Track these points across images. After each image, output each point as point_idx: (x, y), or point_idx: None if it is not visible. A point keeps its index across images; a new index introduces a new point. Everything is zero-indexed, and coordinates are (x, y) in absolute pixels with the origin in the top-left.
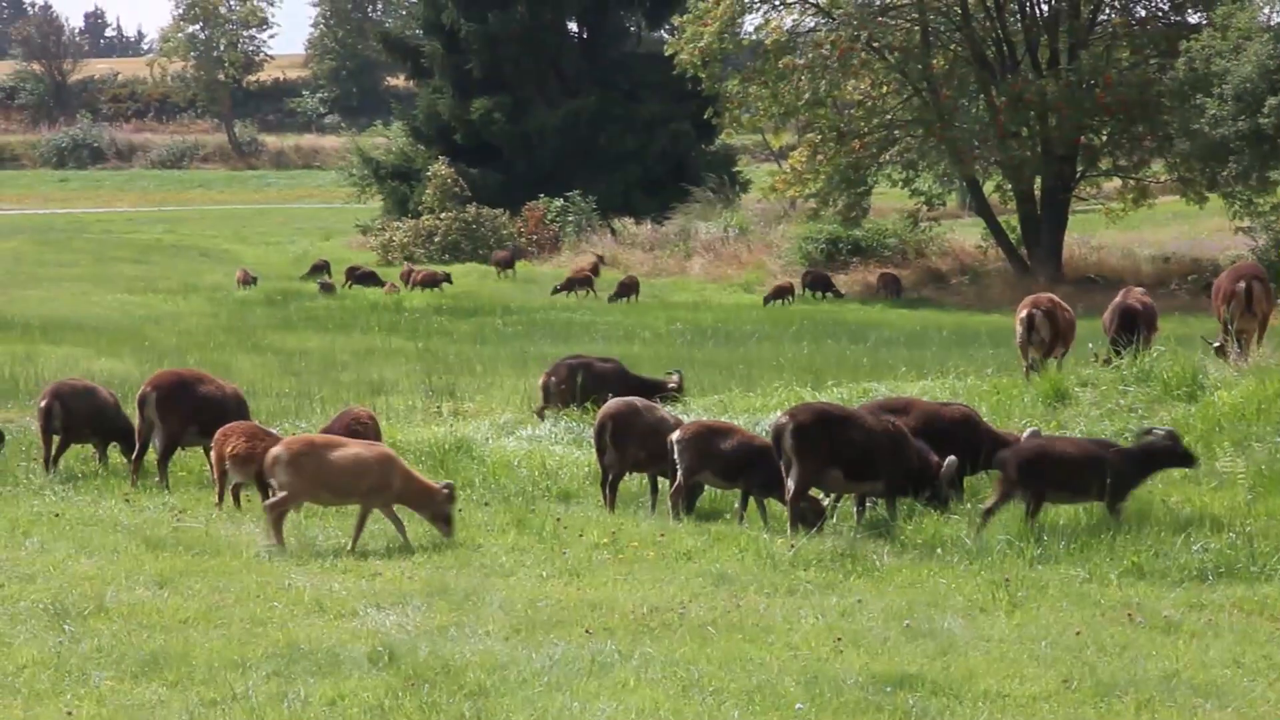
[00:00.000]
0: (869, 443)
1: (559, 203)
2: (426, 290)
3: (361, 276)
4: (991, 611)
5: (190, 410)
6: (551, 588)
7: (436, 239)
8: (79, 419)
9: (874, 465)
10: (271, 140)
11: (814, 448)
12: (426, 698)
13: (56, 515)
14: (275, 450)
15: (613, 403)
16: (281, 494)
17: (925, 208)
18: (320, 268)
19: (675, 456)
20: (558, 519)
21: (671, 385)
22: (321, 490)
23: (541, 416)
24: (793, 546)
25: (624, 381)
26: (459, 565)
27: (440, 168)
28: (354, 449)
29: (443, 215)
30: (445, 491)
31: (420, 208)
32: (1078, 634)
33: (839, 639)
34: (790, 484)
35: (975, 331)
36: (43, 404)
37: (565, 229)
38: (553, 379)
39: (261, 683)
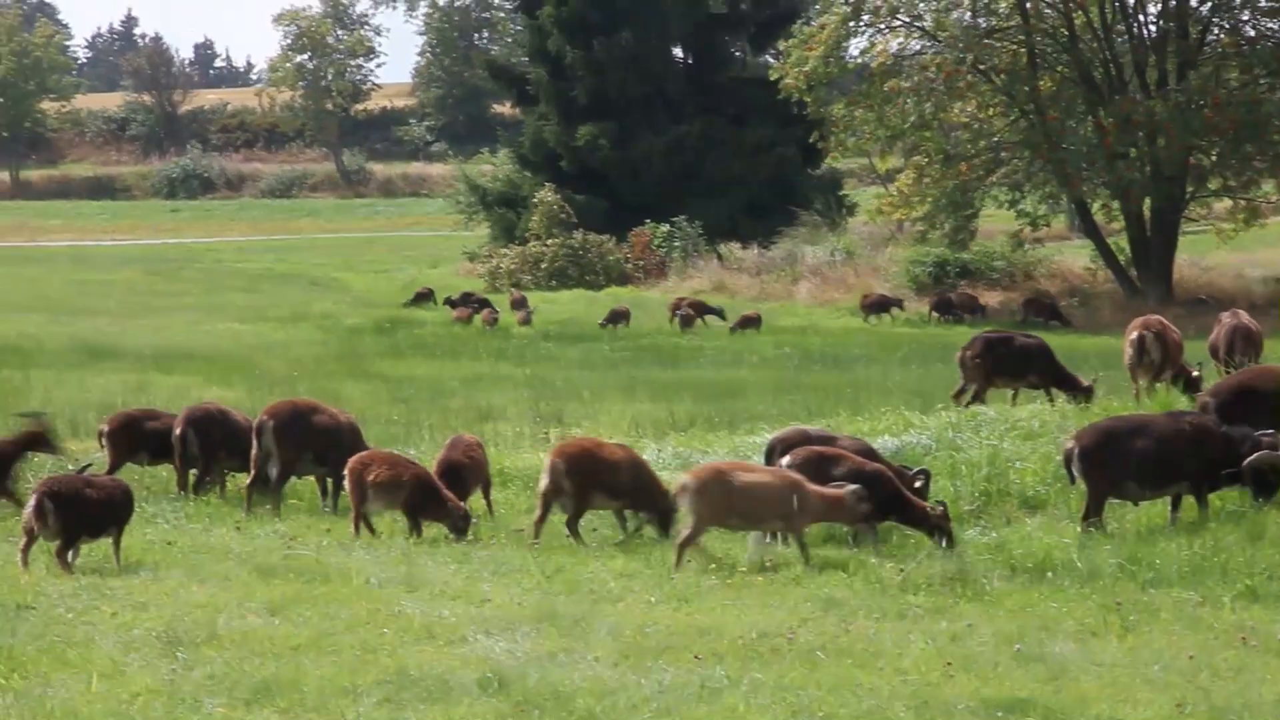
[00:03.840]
0: (1161, 448)
1: (665, 228)
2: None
3: (476, 303)
4: (1103, 635)
5: (306, 439)
6: (660, 613)
7: (543, 265)
8: (213, 444)
9: (1174, 468)
10: (379, 169)
11: (1103, 465)
12: None
13: (169, 543)
14: (683, 479)
15: (789, 430)
16: (690, 523)
17: (1029, 229)
18: (424, 295)
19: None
20: (667, 544)
21: (1086, 385)
22: (731, 517)
23: (959, 397)
24: (902, 571)
25: (1046, 360)
26: (567, 591)
27: (546, 194)
28: (761, 475)
29: (549, 242)
30: (853, 495)
31: (527, 234)
32: (1191, 658)
33: (949, 664)
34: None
35: (1084, 354)
36: (176, 431)
37: (672, 254)
38: (968, 353)
39: (372, 709)
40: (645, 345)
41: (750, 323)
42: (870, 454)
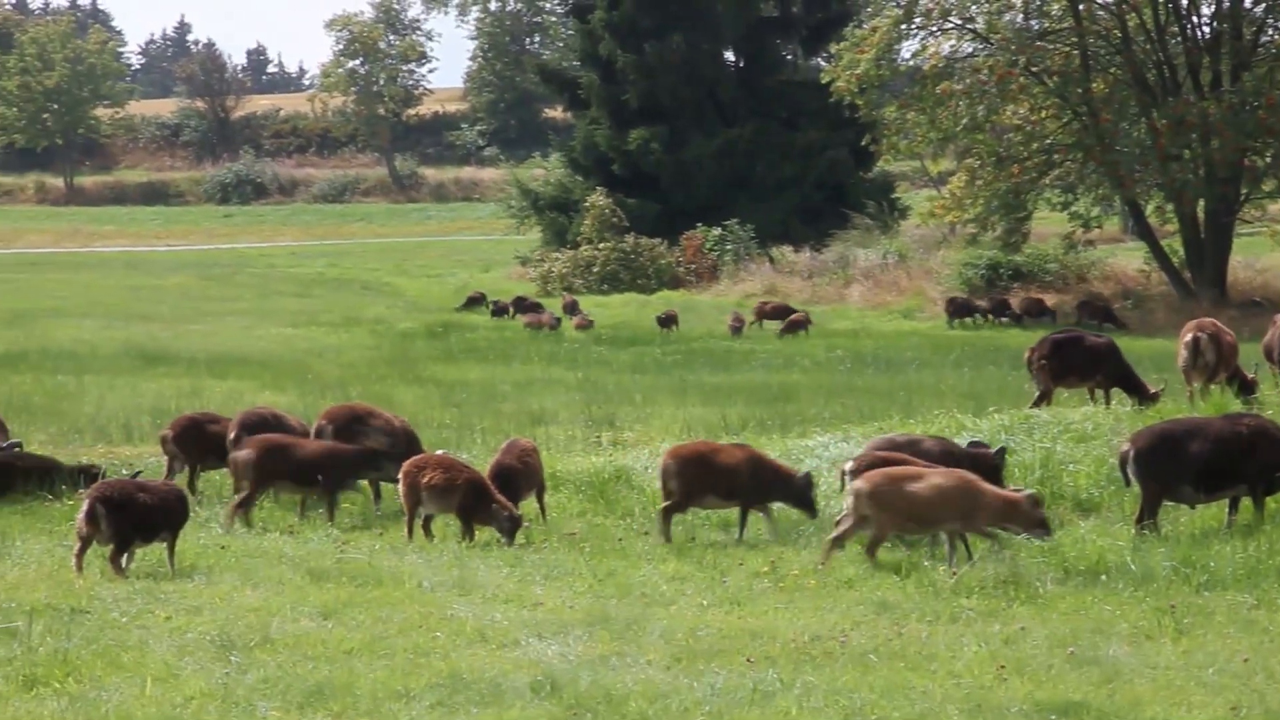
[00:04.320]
0: (1217, 452)
1: (717, 231)
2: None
3: (528, 308)
4: (1157, 638)
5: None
6: (712, 616)
7: (595, 269)
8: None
9: (1230, 472)
10: (431, 173)
11: (1159, 468)
12: None
13: (222, 548)
14: (856, 484)
15: (882, 438)
16: (871, 530)
17: (1081, 230)
18: (476, 300)
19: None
20: (718, 547)
21: (1153, 392)
22: (908, 521)
23: (1037, 397)
24: (954, 574)
25: (1115, 360)
26: (620, 594)
27: (598, 198)
28: (934, 478)
29: (601, 245)
30: (1029, 499)
31: (578, 238)
32: (1245, 661)
33: (1002, 667)
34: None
35: (1138, 356)
36: (230, 435)
37: (723, 258)
38: (1035, 354)
39: (425, 713)
40: (697, 349)
41: (798, 325)
42: (951, 455)
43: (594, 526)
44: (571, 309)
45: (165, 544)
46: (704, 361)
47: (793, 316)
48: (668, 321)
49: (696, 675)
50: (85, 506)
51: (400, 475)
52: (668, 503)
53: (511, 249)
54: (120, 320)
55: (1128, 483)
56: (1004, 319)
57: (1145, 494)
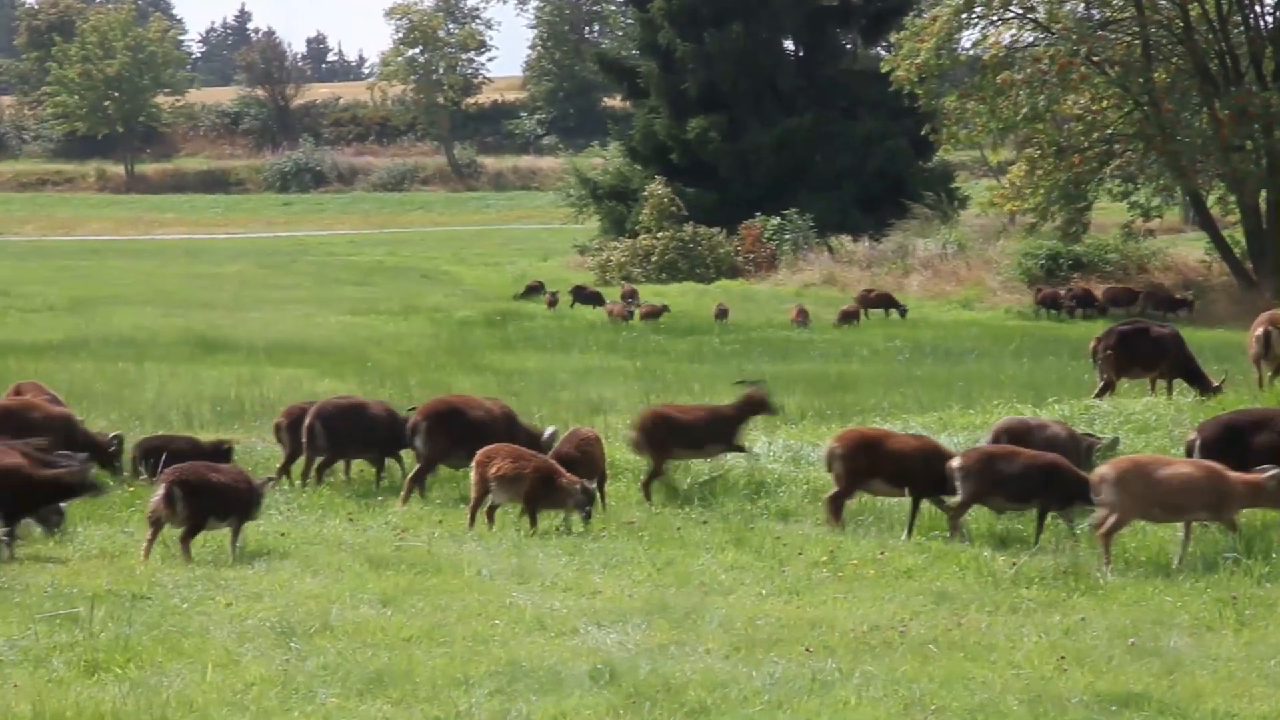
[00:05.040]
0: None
1: (775, 221)
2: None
3: (587, 296)
4: (1219, 629)
5: (459, 435)
6: (771, 606)
7: (653, 258)
8: (341, 437)
9: None
10: (490, 162)
11: (1225, 458)
12: (648, 716)
13: (282, 534)
14: (1101, 470)
15: (1010, 419)
16: (1110, 515)
17: (1141, 220)
18: (535, 288)
19: (958, 482)
20: (777, 537)
21: (1214, 385)
22: (1153, 508)
23: (1100, 387)
24: (1014, 564)
25: (1179, 350)
26: (678, 583)
27: (657, 187)
28: (1181, 467)
29: (659, 235)
30: (1273, 479)
31: (637, 227)
32: None
33: (1062, 657)
34: None
35: (1199, 347)
36: (306, 422)
37: (782, 247)
38: (1101, 344)
39: (484, 700)
40: (755, 338)
41: (850, 317)
42: (1072, 439)
43: (653, 515)
44: (630, 298)
45: (230, 529)
46: (762, 351)
47: (844, 309)
48: (720, 315)
49: (755, 664)
50: (163, 489)
51: (474, 464)
52: (835, 490)
53: (570, 238)
54: (180, 308)
55: None
56: (1091, 310)
57: None
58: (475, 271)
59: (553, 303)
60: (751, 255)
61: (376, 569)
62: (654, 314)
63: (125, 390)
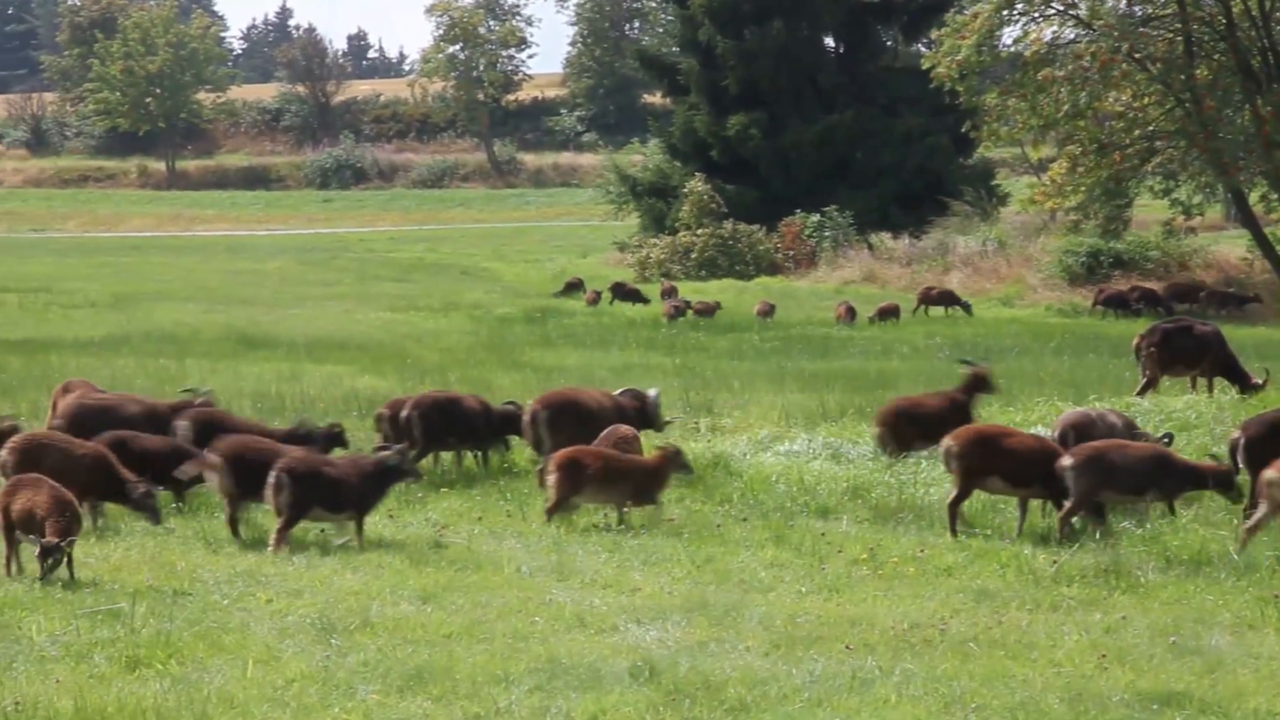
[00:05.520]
0: None
1: (815, 218)
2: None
3: (626, 293)
4: (1260, 628)
5: (575, 427)
6: (811, 603)
7: (693, 255)
8: (436, 429)
9: None
10: (530, 159)
11: (1264, 457)
12: (687, 713)
13: (322, 531)
14: (1269, 473)
15: (1074, 412)
16: (1267, 513)
17: (1182, 218)
18: (574, 285)
19: (1070, 480)
20: (820, 534)
21: (1256, 382)
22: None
23: (1143, 384)
24: (1055, 562)
25: (1220, 348)
26: (718, 581)
27: (697, 184)
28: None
29: (699, 232)
30: None
31: (677, 224)
32: None
33: (1103, 656)
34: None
35: (1240, 345)
36: (403, 414)
37: (822, 244)
38: (1144, 342)
39: (524, 697)
40: (795, 335)
41: (889, 313)
42: (1131, 427)
43: (692, 513)
44: (669, 294)
45: (353, 522)
46: (802, 348)
47: (883, 305)
48: (765, 312)
49: (795, 662)
50: (272, 478)
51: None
52: (954, 493)
53: (610, 235)
54: (221, 304)
55: (1237, 470)
56: (1158, 309)
57: (1254, 482)
58: (515, 268)
59: (594, 300)
60: (791, 252)
61: (416, 566)
62: (708, 311)
63: (167, 386)
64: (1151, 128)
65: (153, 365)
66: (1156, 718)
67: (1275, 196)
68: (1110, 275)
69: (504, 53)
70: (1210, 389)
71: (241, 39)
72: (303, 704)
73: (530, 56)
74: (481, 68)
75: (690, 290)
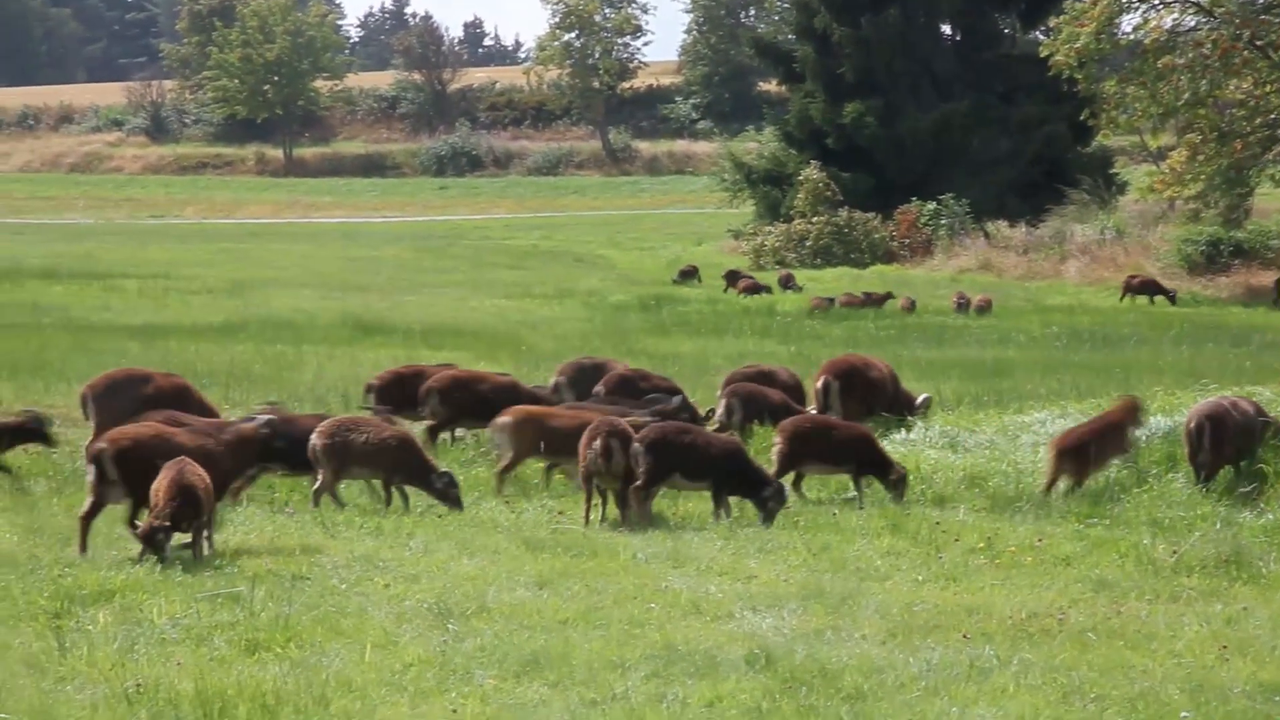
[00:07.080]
0: None
1: (931, 206)
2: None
3: (749, 287)
4: None
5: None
6: (927, 592)
7: (808, 243)
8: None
9: None
10: (645, 146)
11: None
12: (804, 700)
13: (440, 517)
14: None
15: (1207, 403)
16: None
17: None
18: (689, 273)
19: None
20: (935, 522)
21: None
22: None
23: None
24: (1175, 552)
25: None
26: (834, 569)
27: (812, 172)
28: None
29: (814, 219)
30: None
31: (791, 212)
32: None
33: (1224, 647)
34: None
35: None
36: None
37: (938, 232)
38: None
39: (640, 683)
40: (911, 324)
41: (987, 306)
42: (1259, 413)
43: (808, 501)
44: (786, 282)
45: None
46: (918, 336)
47: (963, 297)
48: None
49: (912, 650)
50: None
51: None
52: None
53: (724, 223)
54: (337, 290)
55: None
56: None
57: None
58: (629, 256)
59: (752, 289)
60: (907, 240)
61: (533, 551)
62: (877, 302)
63: (284, 372)
64: (1273, 115)
65: (270, 351)
66: (1279, 710)
67: None
68: (1230, 264)
69: (619, 40)
70: None
71: (358, 27)
72: (420, 688)
73: (645, 44)
74: (597, 55)
75: (804, 279)
